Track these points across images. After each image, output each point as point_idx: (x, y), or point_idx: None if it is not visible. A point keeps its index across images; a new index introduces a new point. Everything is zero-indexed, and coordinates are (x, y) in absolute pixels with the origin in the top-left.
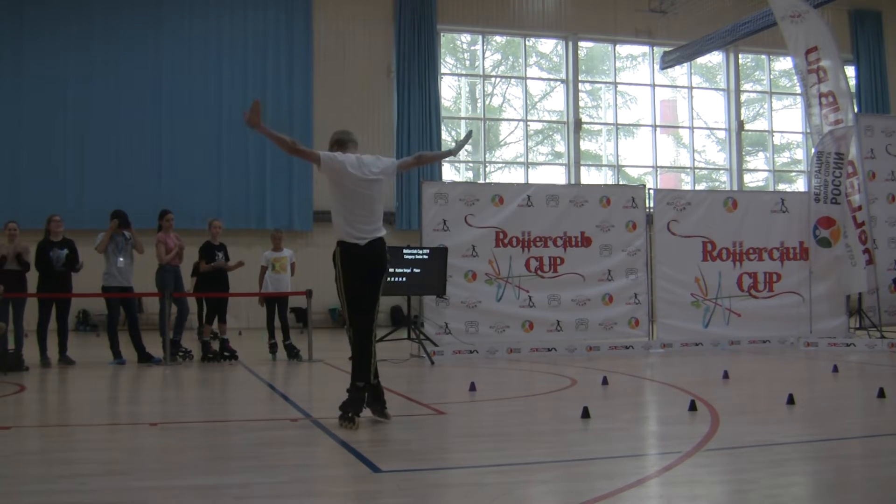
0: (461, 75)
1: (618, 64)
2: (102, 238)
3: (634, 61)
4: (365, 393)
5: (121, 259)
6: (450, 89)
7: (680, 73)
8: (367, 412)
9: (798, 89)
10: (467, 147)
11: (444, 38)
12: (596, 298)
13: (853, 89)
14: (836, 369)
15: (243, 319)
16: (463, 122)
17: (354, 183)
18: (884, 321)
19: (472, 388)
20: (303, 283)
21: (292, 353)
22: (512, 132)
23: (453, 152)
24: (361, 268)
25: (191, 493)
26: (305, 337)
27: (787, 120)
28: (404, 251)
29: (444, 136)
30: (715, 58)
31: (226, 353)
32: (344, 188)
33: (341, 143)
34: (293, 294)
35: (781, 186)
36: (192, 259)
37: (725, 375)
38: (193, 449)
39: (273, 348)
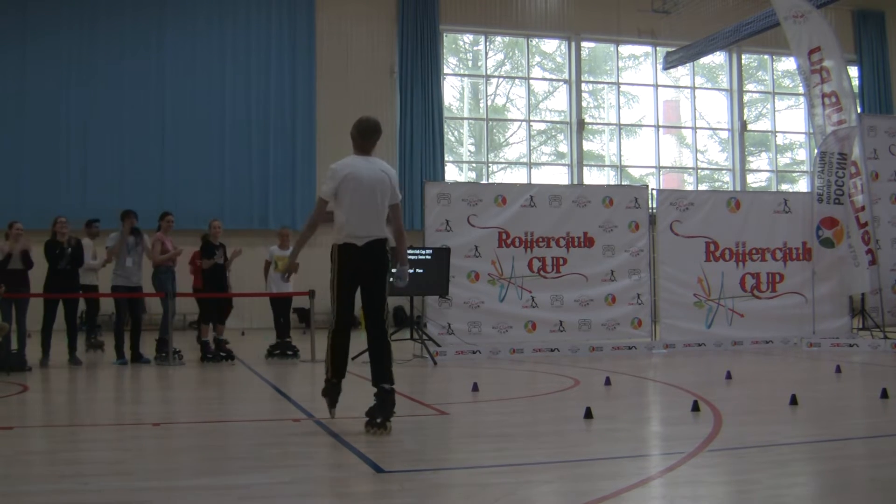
0: (464, 76)
1: (620, 64)
2: (115, 245)
3: (637, 61)
4: (392, 395)
5: (130, 259)
6: (452, 89)
7: (683, 73)
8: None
9: (801, 89)
10: (470, 147)
11: (447, 39)
12: (599, 299)
13: (856, 89)
14: (838, 370)
15: (246, 319)
16: (466, 122)
17: (356, 181)
18: (887, 322)
19: (475, 388)
20: (305, 284)
21: (290, 349)
22: (515, 132)
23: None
24: (356, 268)
25: (193, 494)
26: (308, 337)
27: (790, 120)
28: (407, 251)
29: (448, 136)
30: (717, 58)
31: (221, 354)
32: (347, 190)
33: (360, 136)
34: (297, 294)
35: (784, 187)
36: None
37: (728, 376)
38: (196, 449)
39: (272, 349)
